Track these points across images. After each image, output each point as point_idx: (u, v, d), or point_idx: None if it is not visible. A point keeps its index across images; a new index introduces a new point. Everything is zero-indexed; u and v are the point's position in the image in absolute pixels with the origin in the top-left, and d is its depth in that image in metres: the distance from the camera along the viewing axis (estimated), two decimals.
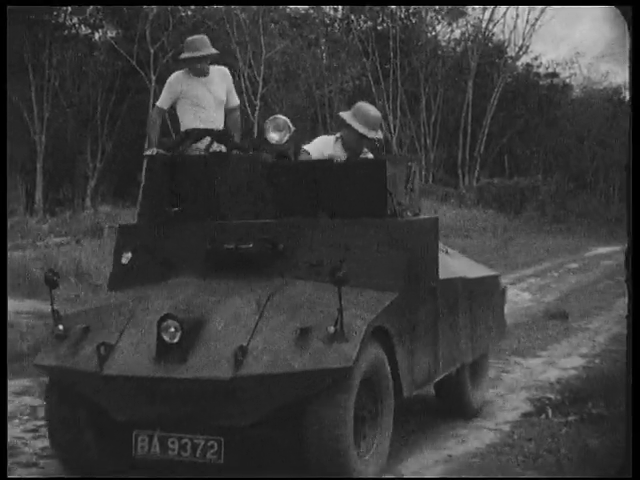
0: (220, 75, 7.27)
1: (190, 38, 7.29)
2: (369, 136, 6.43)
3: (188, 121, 7.15)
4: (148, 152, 6.50)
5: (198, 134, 6.77)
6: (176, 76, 7.19)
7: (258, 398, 4.89)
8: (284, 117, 6.28)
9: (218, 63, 7.56)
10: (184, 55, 7.17)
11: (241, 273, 5.55)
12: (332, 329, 4.85)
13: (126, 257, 6.02)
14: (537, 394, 8.03)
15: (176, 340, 4.95)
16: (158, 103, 7.25)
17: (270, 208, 6.00)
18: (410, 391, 5.65)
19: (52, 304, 5.38)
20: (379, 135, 6.53)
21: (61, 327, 5.32)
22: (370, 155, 6.66)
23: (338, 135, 6.62)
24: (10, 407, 7.16)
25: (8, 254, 16.26)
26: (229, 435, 5.08)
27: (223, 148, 6.69)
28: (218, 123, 7.25)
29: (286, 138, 6.17)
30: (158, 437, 5.08)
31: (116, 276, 6.07)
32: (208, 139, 6.69)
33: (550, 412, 7.29)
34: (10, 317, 10.64)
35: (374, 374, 5.21)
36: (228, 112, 7.41)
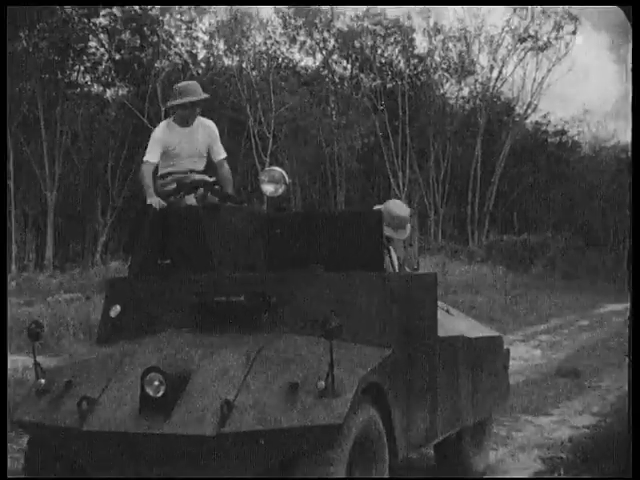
0: (203, 128, 7.01)
1: (180, 84, 7.05)
2: (395, 237, 6.40)
3: (164, 171, 6.94)
4: (153, 202, 6.31)
5: (191, 185, 6.62)
6: (160, 128, 6.96)
7: (245, 456, 4.73)
8: (280, 169, 6.21)
9: (213, 113, 7.32)
10: (172, 102, 6.92)
11: (231, 326, 5.42)
12: (322, 384, 4.65)
13: (115, 311, 5.89)
14: (549, 453, 7.92)
15: (160, 394, 4.77)
16: (147, 158, 6.84)
17: (263, 260, 5.90)
18: (405, 452, 5.46)
19: (34, 357, 5.23)
20: (405, 235, 6.48)
21: (43, 381, 5.16)
22: (394, 255, 6.50)
23: None
24: (16, 464, 7.10)
25: (18, 309, 16.27)
26: None
27: (215, 199, 6.56)
28: (195, 175, 7.00)
29: (281, 190, 6.09)
30: None
31: (104, 330, 5.94)
32: (201, 190, 6.57)
33: (562, 471, 7.18)
34: (19, 373, 10.61)
35: (367, 433, 4.99)
36: (217, 166, 7.15)
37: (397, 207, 6.55)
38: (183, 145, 6.88)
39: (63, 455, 5.16)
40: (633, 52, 4.94)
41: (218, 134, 7.12)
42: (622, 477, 4.57)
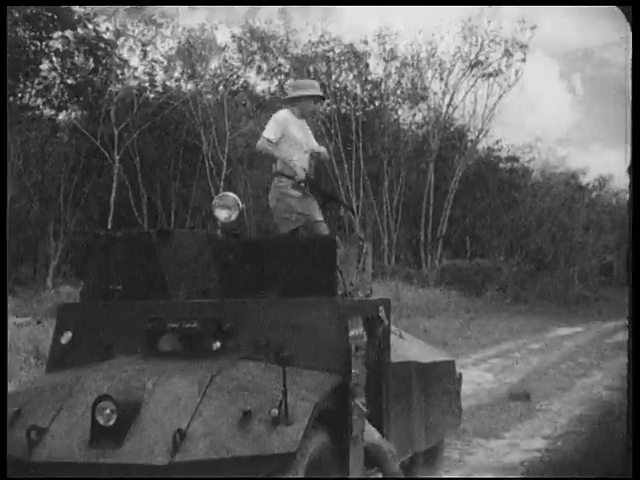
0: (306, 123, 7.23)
1: (298, 80, 7.27)
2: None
3: (298, 161, 6.93)
4: (300, 173, 6.70)
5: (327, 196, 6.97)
6: (283, 115, 7.07)
7: None
8: (233, 195, 6.25)
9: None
10: (301, 92, 7.11)
11: (184, 353, 5.39)
12: (275, 412, 4.62)
13: (66, 337, 5.84)
14: (501, 476, 7.98)
15: (112, 423, 4.70)
16: (266, 135, 6.89)
17: (217, 286, 5.89)
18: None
19: None
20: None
21: None
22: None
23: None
24: None
25: None
26: None
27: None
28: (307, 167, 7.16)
29: (235, 216, 6.13)
30: None
31: (55, 357, 5.87)
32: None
33: None
34: None
35: (321, 458, 4.97)
36: (315, 156, 7.31)
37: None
38: (302, 137, 7.06)
39: None
40: (633, 53, 5.00)
41: None
42: (622, 477, 4.62)
